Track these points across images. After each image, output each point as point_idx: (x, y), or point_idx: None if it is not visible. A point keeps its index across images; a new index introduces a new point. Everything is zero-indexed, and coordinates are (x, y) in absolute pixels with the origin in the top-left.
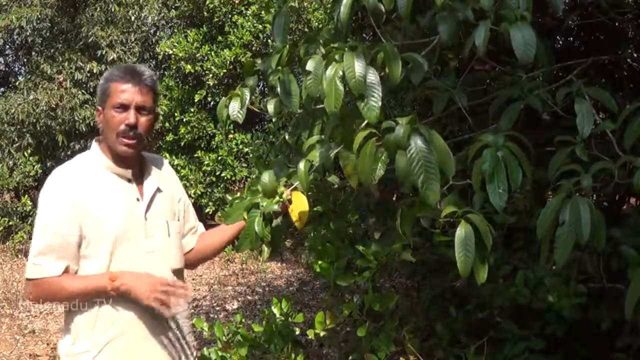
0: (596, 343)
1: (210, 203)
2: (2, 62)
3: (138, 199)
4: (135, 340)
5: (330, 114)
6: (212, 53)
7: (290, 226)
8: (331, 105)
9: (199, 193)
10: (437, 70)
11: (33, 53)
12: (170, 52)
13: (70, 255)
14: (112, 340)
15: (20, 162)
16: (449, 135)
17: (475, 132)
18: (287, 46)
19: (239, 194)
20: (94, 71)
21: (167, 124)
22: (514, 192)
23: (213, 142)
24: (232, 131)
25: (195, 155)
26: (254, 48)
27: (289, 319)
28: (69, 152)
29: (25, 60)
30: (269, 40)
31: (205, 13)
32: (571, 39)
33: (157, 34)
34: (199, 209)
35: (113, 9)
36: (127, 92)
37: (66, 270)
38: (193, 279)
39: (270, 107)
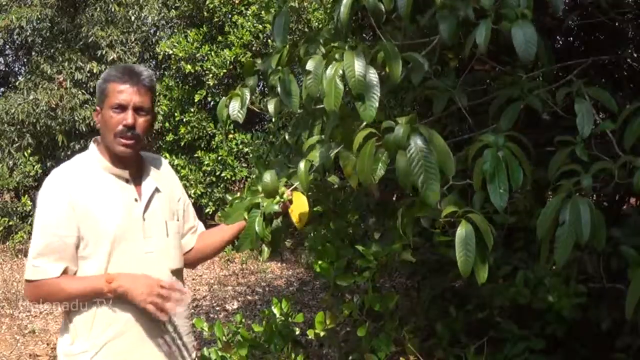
0: (596, 343)
1: (210, 203)
2: (2, 62)
3: (136, 200)
4: (133, 341)
5: (330, 113)
6: (212, 53)
7: (290, 226)
8: (331, 104)
9: (199, 193)
10: (437, 70)
11: (33, 53)
12: (170, 52)
13: (69, 256)
14: (110, 341)
15: (20, 162)
16: (449, 135)
17: (475, 132)
18: (287, 46)
19: (239, 194)
20: (94, 71)
21: (167, 124)
22: (514, 192)
23: (213, 142)
24: (232, 131)
25: (195, 155)
26: (254, 48)
27: (289, 319)
28: (69, 152)
29: (25, 60)
30: (269, 40)
31: (205, 13)
32: (571, 39)
33: (157, 34)
34: (199, 209)
35: (113, 9)
36: (125, 92)
37: (65, 272)
38: (193, 279)
39: (271, 107)
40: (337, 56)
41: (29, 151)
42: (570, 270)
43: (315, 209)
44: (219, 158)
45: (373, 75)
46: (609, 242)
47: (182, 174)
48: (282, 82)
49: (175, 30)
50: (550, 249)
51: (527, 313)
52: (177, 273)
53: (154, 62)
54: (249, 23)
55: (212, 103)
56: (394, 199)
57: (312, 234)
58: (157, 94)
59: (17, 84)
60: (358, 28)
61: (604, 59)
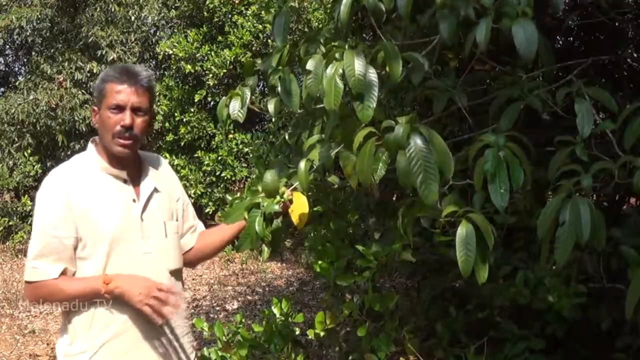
0: (596, 343)
1: (210, 203)
2: (2, 62)
3: (134, 200)
4: (131, 342)
5: (330, 112)
6: (212, 53)
7: (290, 226)
8: (330, 103)
9: (199, 193)
10: (437, 70)
11: (33, 53)
12: (170, 52)
13: (67, 257)
14: (108, 341)
15: (20, 162)
16: (449, 135)
17: (475, 132)
18: (287, 46)
19: (239, 194)
20: (94, 71)
21: (167, 124)
22: (514, 192)
23: (213, 142)
24: (232, 131)
25: (195, 155)
26: (254, 48)
27: (289, 319)
28: (69, 152)
29: (25, 60)
30: (269, 40)
31: (205, 13)
32: (571, 39)
33: (157, 34)
34: (199, 209)
35: (113, 9)
36: (123, 92)
37: (64, 272)
38: (193, 279)
39: (271, 107)
40: (337, 55)
41: (29, 151)
42: (570, 270)
43: (315, 209)
44: (219, 158)
45: (373, 75)
46: (609, 242)
47: (182, 174)
48: (282, 82)
49: (175, 30)
50: (550, 249)
51: (527, 313)
52: (176, 273)
53: (154, 62)
54: (249, 23)
55: (212, 103)
56: (394, 199)
57: (312, 234)
58: (157, 94)
59: (17, 84)
60: (358, 28)
61: (604, 59)
